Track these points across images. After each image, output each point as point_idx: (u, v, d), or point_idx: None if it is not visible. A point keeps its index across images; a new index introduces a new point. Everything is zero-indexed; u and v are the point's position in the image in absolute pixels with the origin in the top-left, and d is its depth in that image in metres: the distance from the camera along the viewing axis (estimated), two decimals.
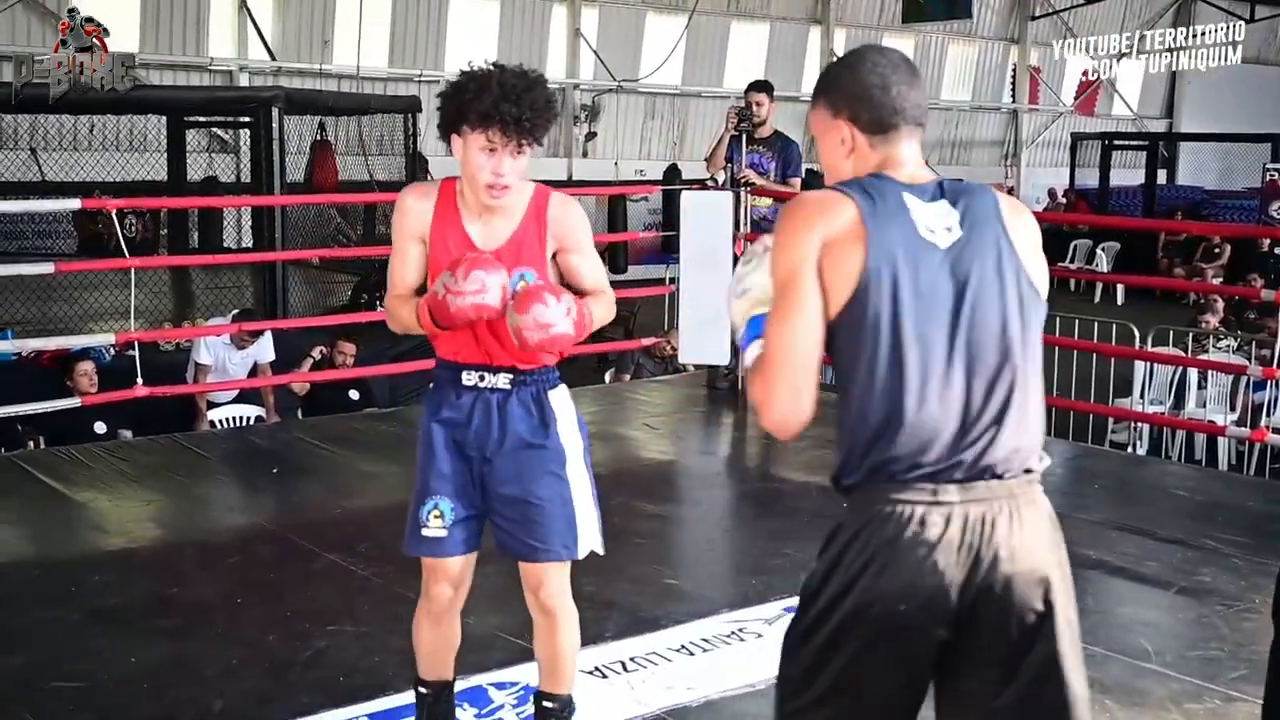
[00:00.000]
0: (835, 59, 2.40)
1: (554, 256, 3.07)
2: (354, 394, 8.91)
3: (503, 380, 3.02)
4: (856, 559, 2.12)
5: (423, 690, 3.30)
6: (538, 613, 3.17)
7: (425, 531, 3.06)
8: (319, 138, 13.27)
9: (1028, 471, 2.17)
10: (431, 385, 3.15)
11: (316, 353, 8.96)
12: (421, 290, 3.04)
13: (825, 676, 2.14)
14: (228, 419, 8.46)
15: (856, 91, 2.27)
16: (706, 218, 7.80)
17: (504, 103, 2.81)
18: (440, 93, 2.96)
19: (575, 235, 3.09)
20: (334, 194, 12.66)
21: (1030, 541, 2.14)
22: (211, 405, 8.49)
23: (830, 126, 2.31)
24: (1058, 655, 2.16)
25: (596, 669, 3.90)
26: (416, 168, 14.68)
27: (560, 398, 3.09)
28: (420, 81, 19.58)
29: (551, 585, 3.11)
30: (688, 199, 8.04)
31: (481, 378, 3.03)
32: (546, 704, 3.23)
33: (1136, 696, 3.79)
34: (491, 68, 2.89)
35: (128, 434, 7.83)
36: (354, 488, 6.29)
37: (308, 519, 5.67)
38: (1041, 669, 2.15)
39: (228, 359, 8.49)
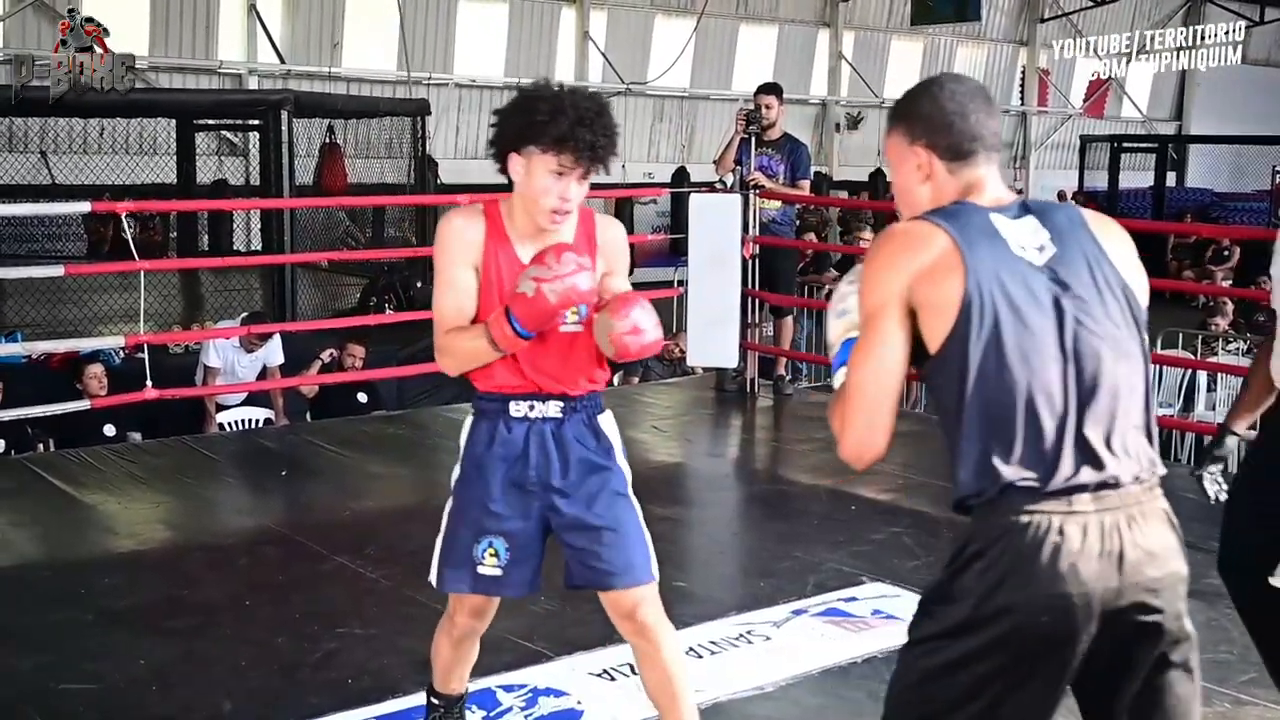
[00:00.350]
0: (912, 87, 2.39)
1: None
2: (362, 397, 8.93)
3: (554, 408, 2.90)
4: (992, 574, 2.11)
5: (435, 701, 3.27)
6: (637, 638, 2.97)
7: (481, 569, 2.92)
8: (328, 140, 13.30)
9: (1148, 477, 2.17)
10: (471, 419, 2.99)
11: (326, 355, 8.97)
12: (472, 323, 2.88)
13: (957, 693, 2.13)
14: (237, 421, 8.48)
15: (935, 118, 2.28)
16: (715, 220, 7.80)
17: (579, 127, 2.73)
18: (502, 109, 2.85)
19: (621, 258, 3.02)
20: (343, 197, 12.69)
21: (1162, 545, 2.16)
22: (220, 408, 8.52)
23: (907, 153, 2.31)
24: (1192, 655, 2.20)
25: (605, 671, 3.91)
26: (425, 170, 14.71)
27: (609, 422, 3.00)
28: (429, 85, 19.59)
29: (648, 604, 2.95)
30: (696, 201, 8.03)
31: (531, 407, 2.90)
32: None
33: None
34: (558, 88, 2.80)
35: (137, 436, 7.86)
36: (362, 490, 6.29)
37: (316, 521, 5.68)
38: (1182, 669, 2.18)
39: (237, 362, 8.51)
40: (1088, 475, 2.11)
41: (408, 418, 8.17)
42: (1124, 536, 2.11)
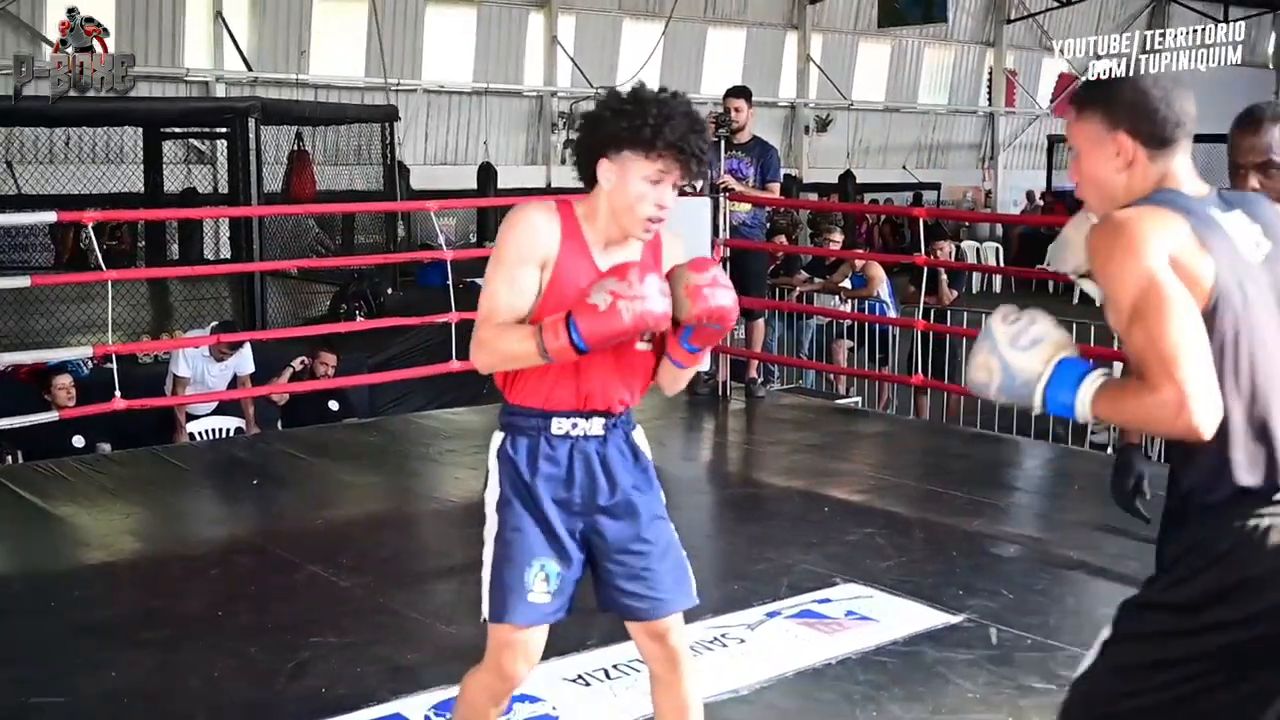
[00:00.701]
0: (1119, 79, 2.37)
1: None
2: (334, 404, 8.90)
3: (596, 426, 2.76)
4: (1228, 578, 2.08)
5: None
6: (662, 664, 2.85)
7: (531, 597, 2.72)
8: (296, 148, 13.25)
9: None
10: (504, 436, 2.80)
11: (297, 363, 8.93)
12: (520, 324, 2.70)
13: (1165, 694, 2.13)
14: (207, 431, 8.44)
15: (1140, 104, 2.25)
16: (684, 224, 7.73)
17: (692, 134, 2.62)
18: (595, 111, 2.72)
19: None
20: (312, 204, 12.64)
21: None
22: (190, 417, 8.47)
23: (1105, 139, 2.27)
24: None
25: (579, 677, 3.91)
26: (397, 177, 14.67)
27: (641, 438, 2.88)
28: (397, 90, 19.55)
29: (678, 632, 2.84)
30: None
31: (574, 425, 2.74)
32: None
33: None
34: (659, 91, 2.68)
35: (106, 447, 7.81)
36: (335, 498, 6.28)
37: (288, 530, 5.66)
38: None
39: (206, 371, 8.47)
40: None
41: (379, 425, 8.15)
42: None
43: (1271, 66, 31.99)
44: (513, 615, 2.73)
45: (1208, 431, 2.04)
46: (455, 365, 7.73)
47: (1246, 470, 2.09)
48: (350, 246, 13.79)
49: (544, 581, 2.73)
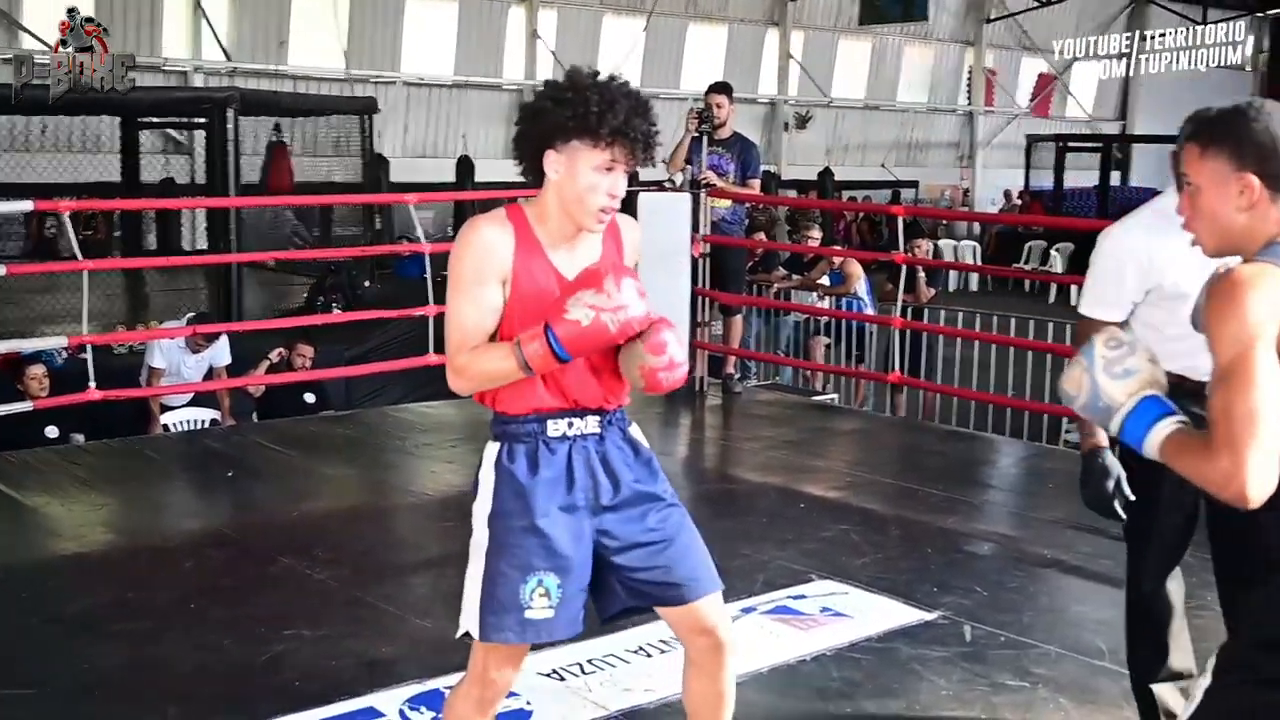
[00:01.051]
0: (1233, 108, 2.35)
1: None
2: (310, 397, 8.86)
3: (592, 424, 2.69)
4: None
5: None
6: (708, 652, 2.76)
7: (530, 614, 2.62)
8: (274, 139, 13.21)
9: None
10: (499, 446, 2.69)
11: (275, 355, 8.90)
12: (492, 339, 2.63)
13: None
14: (182, 422, 8.39)
15: (1271, 145, 2.25)
16: (664, 219, 7.80)
17: (635, 117, 2.56)
18: (534, 103, 2.63)
19: (638, 260, 2.82)
20: (290, 195, 12.60)
21: None
22: (165, 409, 8.42)
23: (1230, 178, 2.26)
24: None
25: (554, 671, 3.90)
26: (378, 169, 14.63)
27: (638, 432, 2.80)
28: (376, 83, 19.50)
29: (720, 614, 2.76)
30: (645, 200, 8.03)
31: (570, 425, 2.67)
32: None
33: (1090, 694, 3.83)
34: (602, 77, 2.60)
35: (80, 438, 7.76)
36: (310, 491, 6.25)
37: (263, 522, 5.64)
38: None
39: (182, 362, 8.42)
40: None
41: (356, 418, 8.13)
42: None
43: (1249, 68, 32.13)
44: (505, 634, 2.65)
45: (1256, 504, 2.09)
46: (433, 358, 7.71)
47: None
48: (328, 238, 13.75)
49: (544, 596, 2.63)
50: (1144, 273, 3.34)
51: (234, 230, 10.75)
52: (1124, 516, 3.33)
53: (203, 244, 13.51)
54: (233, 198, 10.88)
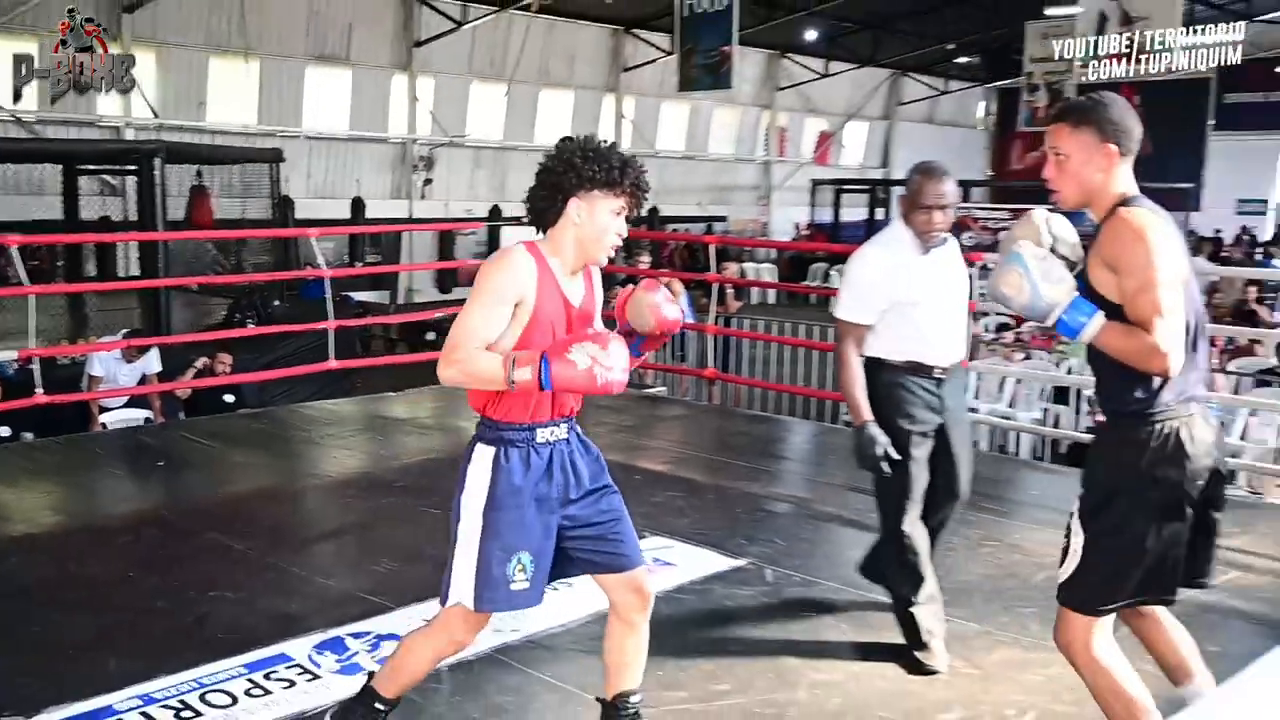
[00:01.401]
0: (1102, 99, 2.61)
1: None
2: (229, 398, 8.63)
3: (564, 430, 2.71)
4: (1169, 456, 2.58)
5: (381, 707, 2.86)
6: (636, 610, 2.80)
7: (513, 586, 2.64)
8: (196, 183, 12.87)
9: None
10: (494, 450, 2.66)
11: (200, 363, 8.65)
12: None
13: (1152, 539, 2.59)
14: (118, 421, 8.09)
15: (1124, 123, 2.55)
16: None
17: (640, 174, 2.66)
18: (563, 159, 2.64)
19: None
20: (211, 230, 12.29)
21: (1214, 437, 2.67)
22: (104, 410, 8.11)
23: (1096, 147, 2.54)
24: None
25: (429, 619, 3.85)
26: (285, 208, 14.32)
27: (583, 431, 2.82)
28: (283, 136, 19.03)
29: (649, 581, 2.83)
30: (508, 233, 7.99)
31: (552, 432, 2.68)
32: (633, 699, 2.86)
33: (865, 620, 3.92)
34: (611, 143, 2.68)
35: (29, 436, 7.44)
36: (230, 476, 6.08)
37: (191, 504, 5.46)
38: None
39: (118, 371, 8.12)
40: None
41: (268, 414, 7.91)
42: (1212, 432, 2.59)
43: (981, 127, 33.28)
44: (495, 605, 2.67)
45: (1174, 372, 2.47)
46: (333, 364, 7.57)
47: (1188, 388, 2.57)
48: (243, 266, 13.41)
49: (522, 571, 2.65)
50: (886, 284, 3.53)
51: (162, 259, 10.49)
52: (889, 472, 3.45)
53: (136, 271, 13.03)
54: (160, 232, 10.61)
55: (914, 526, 3.60)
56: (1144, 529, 2.53)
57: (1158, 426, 2.53)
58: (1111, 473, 2.60)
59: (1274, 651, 1.30)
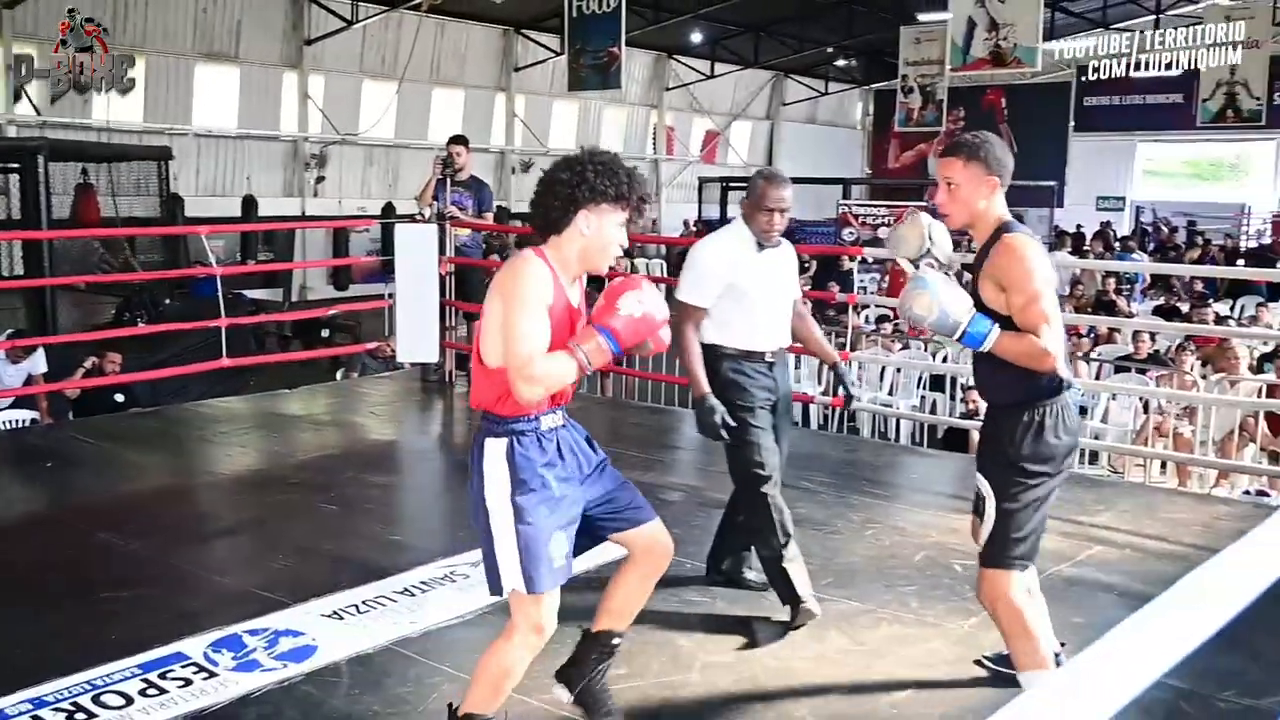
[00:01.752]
0: (985, 138, 2.98)
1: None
2: (119, 397, 8.36)
3: (562, 415, 2.79)
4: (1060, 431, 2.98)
5: None
6: (660, 557, 2.93)
7: (557, 565, 2.70)
8: (82, 181, 12.44)
9: None
10: (507, 442, 2.70)
11: (89, 363, 8.36)
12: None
13: (1043, 503, 3.02)
14: (5, 422, 7.78)
15: (1004, 160, 2.95)
16: (416, 245, 7.71)
17: (645, 191, 2.76)
18: (578, 170, 2.68)
19: None
20: (98, 229, 11.89)
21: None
22: None
23: (982, 179, 2.93)
24: None
25: (335, 613, 3.80)
26: (174, 206, 13.93)
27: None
28: (171, 134, 18.48)
29: (666, 535, 2.95)
30: (401, 230, 7.91)
31: (554, 419, 2.75)
32: (615, 639, 3.02)
33: (757, 604, 3.97)
34: (614, 156, 2.73)
35: None
36: (121, 476, 5.89)
37: (83, 504, 5.28)
38: None
39: (3, 372, 7.82)
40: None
41: (160, 413, 7.68)
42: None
43: (858, 127, 33.90)
44: (544, 584, 2.69)
45: (1059, 370, 2.88)
46: (226, 362, 7.39)
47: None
48: (132, 264, 13.01)
49: (560, 548, 2.71)
50: (724, 273, 3.83)
51: (47, 258, 10.11)
52: (726, 438, 3.75)
53: (20, 270, 12.54)
54: (45, 231, 10.22)
55: (774, 489, 3.83)
56: (1036, 498, 2.94)
57: (1038, 413, 2.91)
58: (1007, 453, 2.95)
59: (1129, 619, 1.36)
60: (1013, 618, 2.98)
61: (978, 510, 3.03)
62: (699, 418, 3.77)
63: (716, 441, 3.79)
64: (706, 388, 3.76)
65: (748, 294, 3.82)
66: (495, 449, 2.70)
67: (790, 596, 3.72)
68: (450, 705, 2.85)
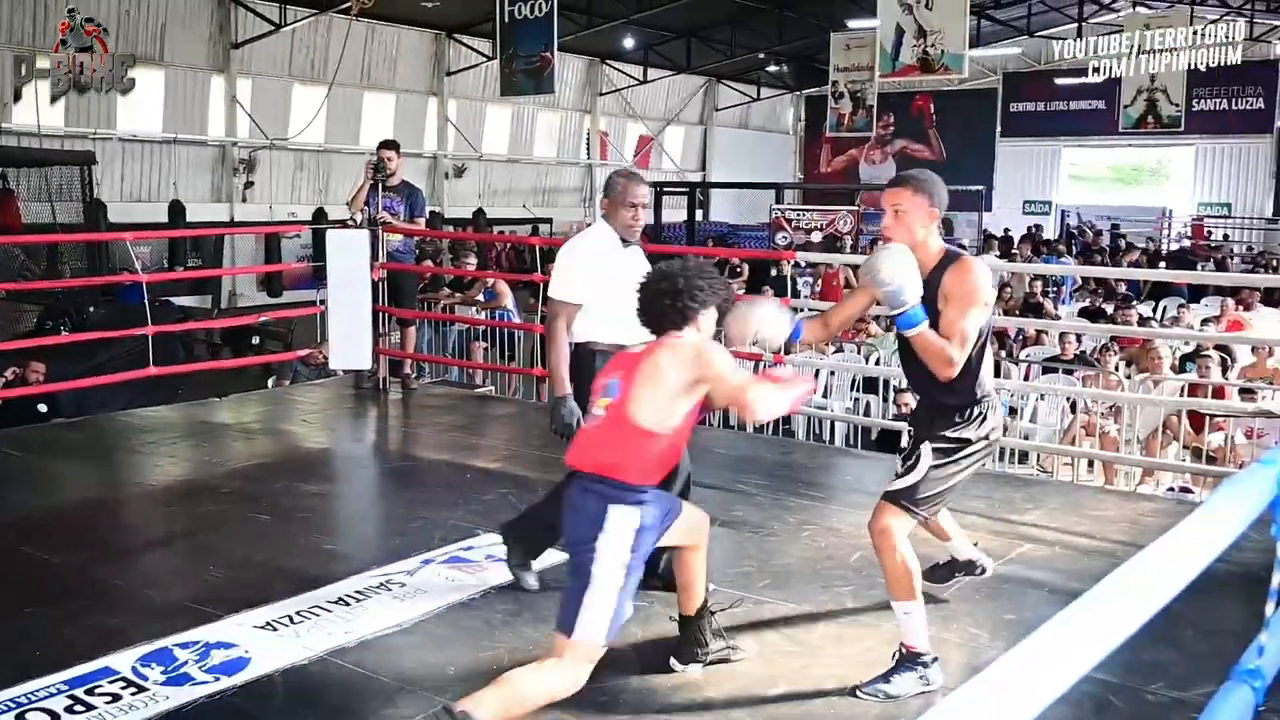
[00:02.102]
0: (929, 176, 3.37)
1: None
2: (42, 407, 8.17)
3: None
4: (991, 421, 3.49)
5: None
6: (699, 534, 3.36)
7: (626, 617, 2.94)
8: (2, 186, 12.12)
9: None
10: (641, 511, 2.94)
11: (10, 372, 8.15)
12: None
13: (962, 478, 3.48)
14: None
15: (942, 193, 3.33)
16: (348, 251, 7.62)
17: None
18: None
19: None
20: (18, 235, 11.59)
21: None
22: None
23: (925, 209, 3.30)
24: None
25: (269, 624, 3.74)
26: (98, 212, 13.64)
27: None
28: (94, 139, 18.10)
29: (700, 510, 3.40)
30: (332, 236, 7.82)
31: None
32: (709, 602, 3.47)
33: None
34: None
35: None
36: (45, 488, 5.75)
37: (4, 518, 5.11)
38: None
39: None
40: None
41: (86, 424, 7.51)
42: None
43: (791, 133, 34.19)
44: (611, 637, 2.88)
45: (953, 376, 3.26)
46: (152, 370, 7.25)
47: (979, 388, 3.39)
48: (55, 271, 12.70)
49: (629, 609, 2.97)
50: (592, 270, 4.04)
51: None
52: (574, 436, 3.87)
53: None
54: None
55: None
56: (957, 471, 3.39)
57: (972, 410, 3.37)
58: (945, 434, 3.38)
59: (1059, 615, 1.38)
60: (899, 555, 3.33)
61: (906, 461, 3.42)
62: (554, 415, 3.99)
63: (570, 438, 3.79)
64: (567, 387, 3.98)
65: (615, 288, 3.83)
66: (631, 519, 2.91)
67: (664, 576, 3.83)
68: (449, 708, 2.73)
